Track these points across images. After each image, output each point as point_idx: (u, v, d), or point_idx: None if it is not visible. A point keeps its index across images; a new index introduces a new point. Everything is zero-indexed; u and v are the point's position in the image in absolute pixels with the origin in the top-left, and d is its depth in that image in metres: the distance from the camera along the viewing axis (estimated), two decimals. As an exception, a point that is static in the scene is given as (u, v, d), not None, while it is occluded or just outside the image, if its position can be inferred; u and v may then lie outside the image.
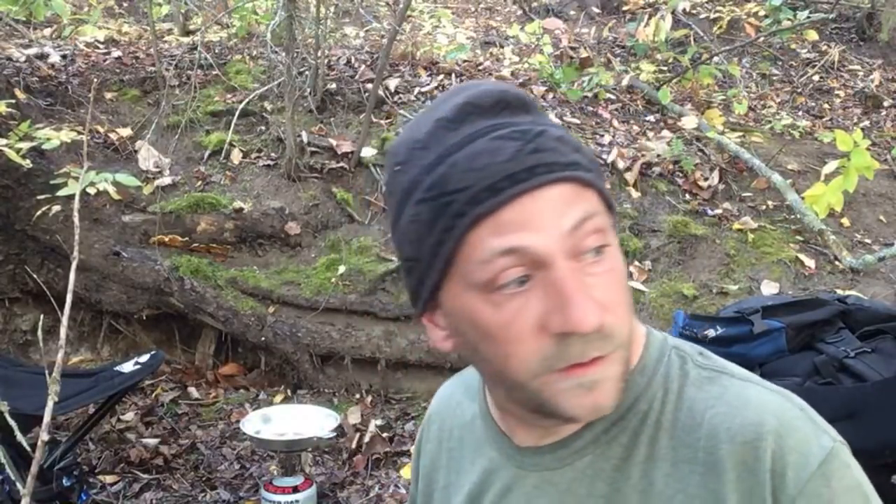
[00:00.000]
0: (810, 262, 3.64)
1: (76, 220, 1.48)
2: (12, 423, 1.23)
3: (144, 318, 3.78)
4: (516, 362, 0.68)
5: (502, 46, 5.57)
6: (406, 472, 3.05)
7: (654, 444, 0.72)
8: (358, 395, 3.60)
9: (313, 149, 4.02)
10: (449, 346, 0.74)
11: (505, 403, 0.77)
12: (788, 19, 4.92)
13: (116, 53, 4.57)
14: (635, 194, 3.97)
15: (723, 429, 0.69)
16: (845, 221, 4.06)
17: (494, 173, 0.65)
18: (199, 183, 3.86)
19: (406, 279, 0.74)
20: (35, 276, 3.50)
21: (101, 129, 3.94)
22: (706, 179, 4.13)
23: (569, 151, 0.68)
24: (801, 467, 0.66)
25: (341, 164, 4.00)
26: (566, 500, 0.75)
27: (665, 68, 5.27)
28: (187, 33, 5.09)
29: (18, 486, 1.40)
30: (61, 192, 3.08)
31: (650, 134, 4.48)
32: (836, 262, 3.65)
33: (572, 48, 5.19)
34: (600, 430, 0.74)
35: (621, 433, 0.74)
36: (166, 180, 3.80)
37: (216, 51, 4.70)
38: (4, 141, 3.33)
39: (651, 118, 4.70)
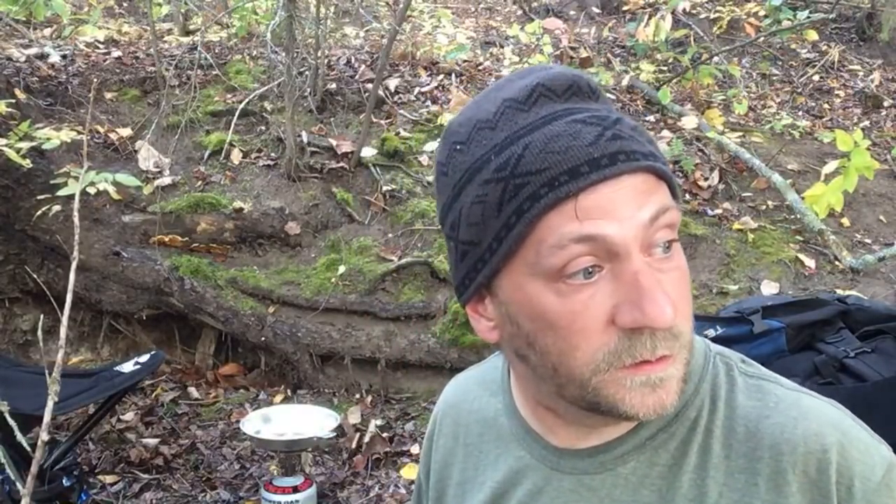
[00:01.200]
0: (810, 262, 3.64)
1: (76, 220, 1.48)
2: (12, 423, 1.23)
3: (144, 318, 3.78)
4: (579, 355, 0.65)
5: (502, 46, 5.57)
6: (406, 472, 3.05)
7: (707, 453, 0.70)
8: (358, 395, 3.60)
9: (313, 149, 4.02)
10: (495, 337, 0.72)
11: (551, 400, 0.73)
12: (788, 19, 4.92)
13: (116, 53, 4.57)
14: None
15: (783, 439, 0.67)
16: (845, 221, 4.06)
17: (575, 157, 0.62)
18: (199, 183, 3.86)
19: (457, 264, 0.70)
20: (35, 276, 3.50)
21: (101, 129, 3.94)
22: (706, 179, 4.13)
23: (645, 142, 0.66)
24: (866, 479, 0.65)
25: (341, 164, 4.00)
26: None
27: (665, 68, 5.27)
28: (187, 33, 5.09)
29: (18, 486, 1.40)
30: (61, 192, 3.08)
31: (650, 134, 4.47)
32: (836, 262, 3.65)
33: (572, 48, 5.19)
34: (646, 435, 0.72)
35: (669, 440, 0.71)
36: (166, 180, 3.80)
37: (216, 51, 4.70)
38: (4, 141, 3.33)
39: (651, 118, 4.70)
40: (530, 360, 0.69)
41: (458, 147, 0.68)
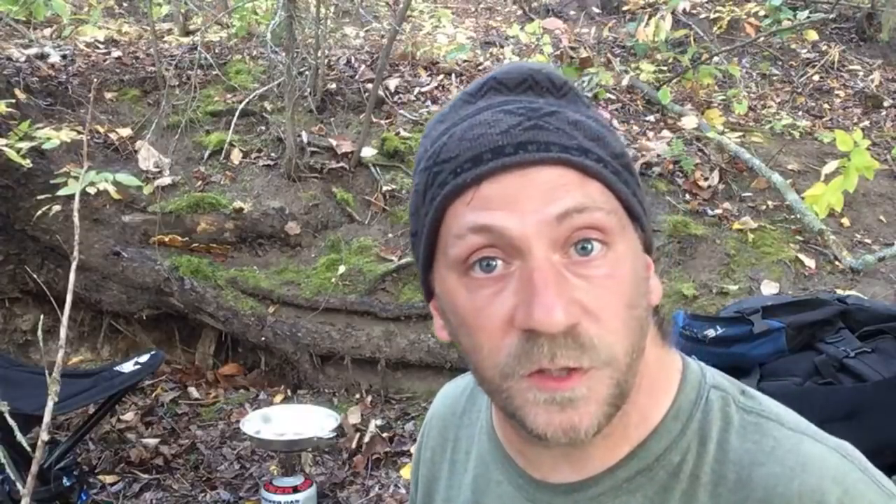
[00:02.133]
0: (810, 262, 3.64)
1: (76, 220, 1.47)
2: (12, 423, 1.23)
3: (144, 318, 3.78)
4: (485, 354, 0.61)
5: (502, 46, 5.56)
6: (406, 473, 3.05)
7: (691, 502, 0.64)
8: (358, 395, 3.60)
9: (313, 149, 4.02)
10: (445, 336, 0.69)
11: (498, 413, 0.70)
12: (788, 19, 4.92)
13: (116, 53, 4.57)
14: (635, 194, 3.96)
15: (776, 493, 0.61)
16: (845, 221, 4.06)
17: (481, 145, 0.60)
18: (199, 183, 3.86)
19: (413, 257, 0.70)
20: (35, 276, 3.50)
21: (101, 129, 3.94)
22: (706, 179, 4.13)
23: (580, 136, 0.62)
24: None
25: (341, 164, 4.00)
26: None
27: (665, 68, 5.27)
28: (187, 33, 5.09)
29: (18, 486, 1.40)
30: (61, 192, 3.08)
31: (650, 134, 4.47)
32: (836, 262, 3.65)
33: (572, 48, 5.19)
34: (623, 477, 0.66)
35: (647, 484, 0.66)
36: (166, 180, 3.80)
37: (216, 51, 4.70)
38: (4, 141, 3.33)
39: (651, 118, 4.70)
40: (467, 362, 0.66)
41: (422, 140, 0.69)
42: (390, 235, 3.83)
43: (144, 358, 2.97)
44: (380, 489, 3.01)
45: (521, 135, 0.60)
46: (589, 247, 0.60)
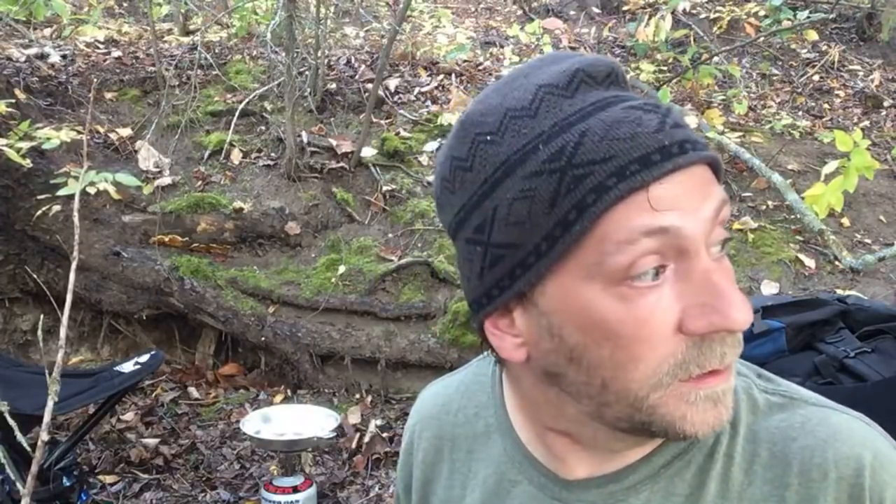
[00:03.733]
0: (810, 262, 3.64)
1: (76, 220, 1.48)
2: (12, 423, 1.23)
3: (144, 318, 3.78)
4: (642, 367, 0.57)
5: (502, 46, 5.56)
6: (406, 472, 3.04)
7: (727, 481, 0.64)
8: (358, 395, 3.60)
9: (313, 149, 4.02)
10: (521, 356, 0.63)
11: (576, 424, 0.65)
12: (788, 19, 4.92)
13: (116, 53, 4.57)
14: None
15: (813, 465, 0.62)
16: (845, 221, 4.06)
17: (643, 145, 0.55)
18: (199, 183, 3.86)
19: (484, 272, 0.61)
20: (35, 276, 3.50)
21: (101, 129, 3.94)
22: (706, 179, 4.13)
23: (692, 132, 0.60)
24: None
25: (341, 164, 4.00)
26: None
27: (665, 68, 5.27)
28: (187, 33, 5.09)
29: (18, 486, 1.40)
30: (61, 192, 3.08)
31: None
32: (836, 262, 3.65)
33: (572, 48, 5.19)
34: (660, 463, 0.66)
35: (685, 468, 0.66)
36: (166, 180, 3.80)
37: (216, 51, 4.70)
38: (4, 141, 3.33)
39: (651, 118, 4.69)
40: (566, 377, 0.61)
41: (488, 138, 0.59)
42: (390, 235, 3.83)
43: (144, 358, 2.97)
44: (380, 489, 3.01)
45: (674, 133, 0.57)
46: (723, 245, 0.60)
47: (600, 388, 0.60)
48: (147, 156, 3.88)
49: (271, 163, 4.01)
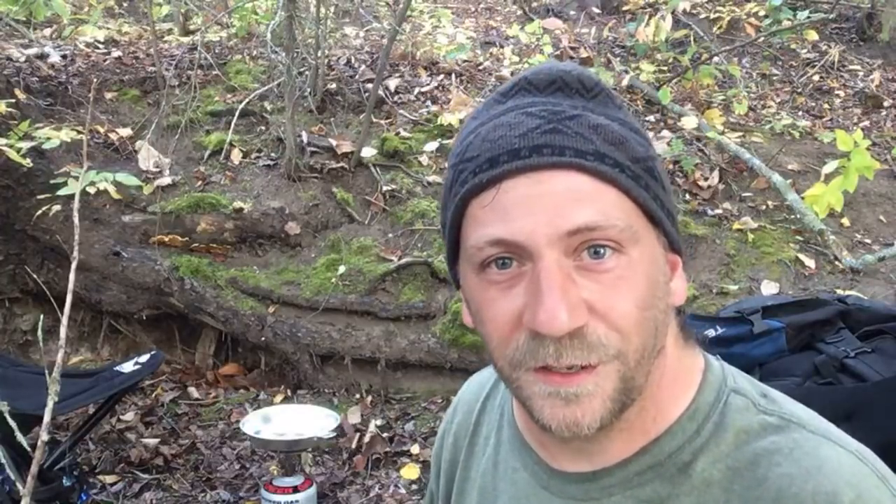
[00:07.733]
0: (810, 262, 3.64)
1: (76, 220, 1.47)
2: (12, 423, 1.23)
3: (144, 318, 3.78)
4: (495, 345, 0.64)
5: (502, 46, 5.56)
6: (406, 472, 3.05)
7: (703, 498, 0.65)
8: (358, 395, 3.60)
9: (313, 149, 4.02)
10: (470, 322, 0.71)
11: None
12: (788, 19, 4.92)
13: (116, 53, 4.57)
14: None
15: (789, 494, 0.60)
16: (845, 221, 4.06)
17: (500, 147, 0.62)
18: (199, 183, 3.86)
19: (445, 249, 0.72)
20: (35, 276, 3.50)
21: (101, 129, 3.94)
22: (706, 179, 4.13)
23: (598, 141, 0.61)
24: None
25: (341, 164, 4.00)
26: None
27: (665, 68, 5.27)
28: (187, 33, 5.09)
29: (18, 486, 1.40)
30: (61, 192, 3.08)
31: (650, 134, 4.47)
32: (836, 262, 3.65)
33: (572, 48, 5.19)
34: (633, 471, 0.68)
35: (656, 479, 0.67)
36: (166, 180, 3.80)
37: (216, 51, 4.70)
38: (4, 141, 3.33)
39: (651, 118, 4.69)
40: None
41: (456, 137, 0.71)
42: (390, 235, 3.83)
43: (144, 358, 2.97)
44: (380, 489, 3.01)
45: (538, 138, 0.61)
46: (601, 251, 0.61)
47: (490, 358, 0.67)
48: (147, 156, 3.88)
49: (271, 163, 4.01)
